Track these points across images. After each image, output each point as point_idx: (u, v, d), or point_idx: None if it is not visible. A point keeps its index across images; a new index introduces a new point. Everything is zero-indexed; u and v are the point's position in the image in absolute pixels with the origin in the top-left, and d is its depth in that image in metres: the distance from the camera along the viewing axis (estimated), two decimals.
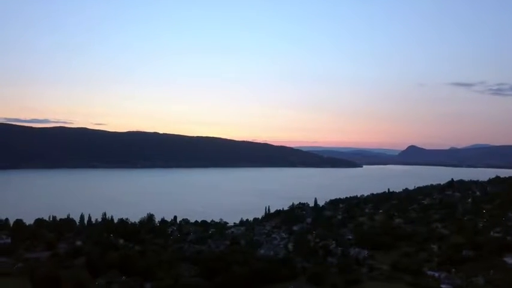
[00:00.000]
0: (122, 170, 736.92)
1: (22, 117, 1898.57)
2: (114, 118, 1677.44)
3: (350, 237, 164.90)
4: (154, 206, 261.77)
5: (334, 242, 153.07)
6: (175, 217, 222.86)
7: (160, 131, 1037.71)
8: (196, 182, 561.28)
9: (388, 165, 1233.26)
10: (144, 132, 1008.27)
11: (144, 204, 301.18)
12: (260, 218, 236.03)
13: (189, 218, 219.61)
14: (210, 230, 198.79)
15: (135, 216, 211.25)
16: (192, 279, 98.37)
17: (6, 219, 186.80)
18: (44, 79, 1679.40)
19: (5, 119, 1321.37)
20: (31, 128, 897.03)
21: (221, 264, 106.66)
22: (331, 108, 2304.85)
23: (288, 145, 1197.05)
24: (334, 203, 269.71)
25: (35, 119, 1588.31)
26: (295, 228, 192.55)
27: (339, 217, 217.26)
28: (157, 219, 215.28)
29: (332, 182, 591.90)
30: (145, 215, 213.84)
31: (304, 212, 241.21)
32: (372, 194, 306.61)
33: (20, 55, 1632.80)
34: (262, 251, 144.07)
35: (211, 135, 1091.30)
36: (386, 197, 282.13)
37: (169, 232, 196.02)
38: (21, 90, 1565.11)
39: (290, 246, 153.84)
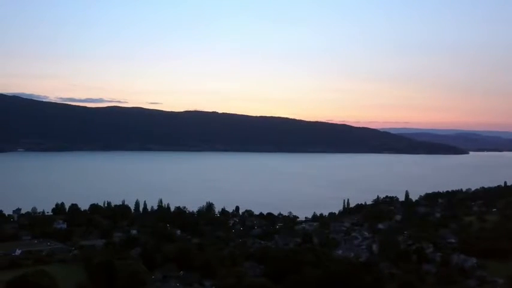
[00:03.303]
0: (179, 153, 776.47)
1: (76, 96, 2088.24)
2: (170, 97, 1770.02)
3: (453, 240, 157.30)
4: (213, 194, 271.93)
5: (431, 245, 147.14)
6: (237, 208, 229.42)
7: (220, 110, 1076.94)
8: (259, 169, 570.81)
9: (504, 152, 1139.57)
10: (202, 111, 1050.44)
11: (202, 191, 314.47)
12: (337, 213, 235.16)
13: (252, 210, 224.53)
14: (277, 225, 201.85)
15: (192, 204, 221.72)
16: (257, 280, 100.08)
17: (62, 204, 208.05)
18: (98, 56, 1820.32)
19: (60, 98, 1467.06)
20: (85, 107, 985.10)
21: (290, 265, 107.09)
22: (429, 81, 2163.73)
23: (372, 126, 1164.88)
24: (431, 198, 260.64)
25: (89, 99, 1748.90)
26: (380, 226, 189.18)
27: (438, 215, 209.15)
28: (217, 209, 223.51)
29: (428, 172, 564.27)
30: (204, 203, 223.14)
31: (392, 208, 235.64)
32: (483, 187, 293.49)
33: (72, 32, 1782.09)
34: (339, 252, 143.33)
35: (278, 115, 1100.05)
36: (502, 192, 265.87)
37: (231, 224, 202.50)
38: (74, 68, 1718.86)
39: (375, 247, 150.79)
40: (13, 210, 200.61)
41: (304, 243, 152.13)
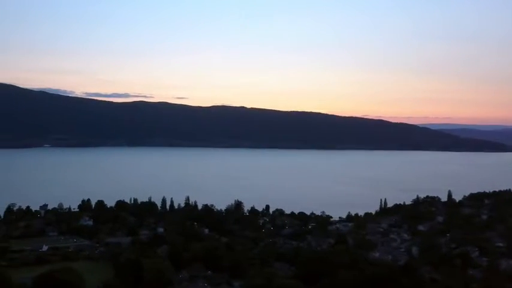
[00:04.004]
0: (205, 149, 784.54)
1: (102, 91, 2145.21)
2: (196, 91, 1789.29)
3: (500, 244, 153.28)
4: (241, 192, 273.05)
5: (476, 249, 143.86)
6: (267, 206, 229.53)
7: (248, 106, 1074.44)
8: (290, 166, 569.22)
9: None
10: (229, 106, 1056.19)
11: (230, 189, 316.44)
12: (374, 213, 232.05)
13: (283, 209, 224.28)
14: (309, 224, 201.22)
15: (220, 202, 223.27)
16: (288, 282, 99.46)
17: (88, 200, 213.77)
18: (123, 51, 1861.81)
19: (86, 93, 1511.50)
20: (111, 102, 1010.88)
21: (324, 267, 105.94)
22: (473, 73, 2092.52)
23: (410, 122, 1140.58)
24: (476, 198, 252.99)
25: (115, 93, 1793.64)
26: (421, 228, 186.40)
27: (484, 217, 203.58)
28: (246, 207, 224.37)
29: (472, 171, 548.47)
30: (232, 202, 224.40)
31: (433, 209, 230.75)
32: None
33: (99, 26, 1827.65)
34: (376, 254, 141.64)
35: (309, 110, 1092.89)
36: None
37: (261, 224, 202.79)
38: (100, 63, 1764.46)
39: (414, 250, 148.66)
40: (40, 206, 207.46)
41: (338, 245, 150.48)
